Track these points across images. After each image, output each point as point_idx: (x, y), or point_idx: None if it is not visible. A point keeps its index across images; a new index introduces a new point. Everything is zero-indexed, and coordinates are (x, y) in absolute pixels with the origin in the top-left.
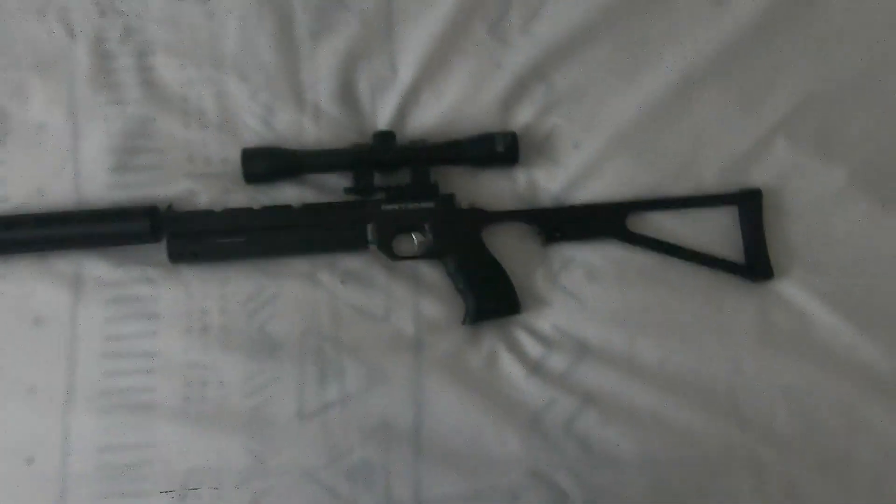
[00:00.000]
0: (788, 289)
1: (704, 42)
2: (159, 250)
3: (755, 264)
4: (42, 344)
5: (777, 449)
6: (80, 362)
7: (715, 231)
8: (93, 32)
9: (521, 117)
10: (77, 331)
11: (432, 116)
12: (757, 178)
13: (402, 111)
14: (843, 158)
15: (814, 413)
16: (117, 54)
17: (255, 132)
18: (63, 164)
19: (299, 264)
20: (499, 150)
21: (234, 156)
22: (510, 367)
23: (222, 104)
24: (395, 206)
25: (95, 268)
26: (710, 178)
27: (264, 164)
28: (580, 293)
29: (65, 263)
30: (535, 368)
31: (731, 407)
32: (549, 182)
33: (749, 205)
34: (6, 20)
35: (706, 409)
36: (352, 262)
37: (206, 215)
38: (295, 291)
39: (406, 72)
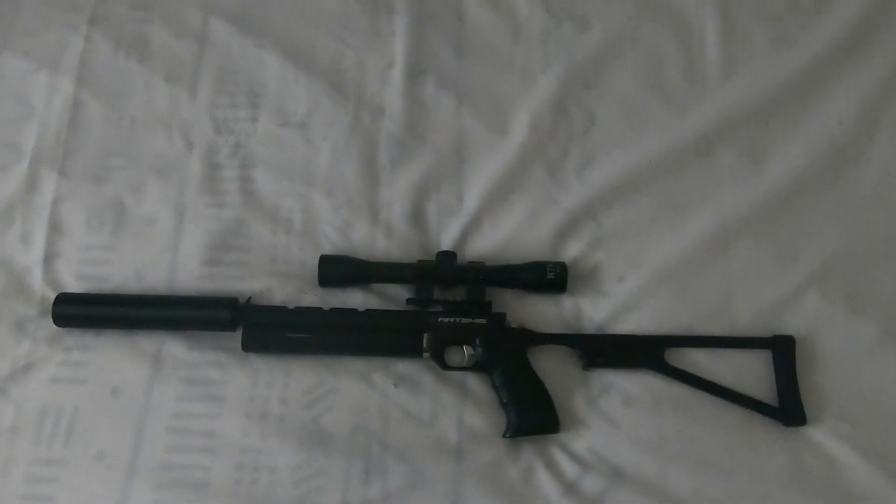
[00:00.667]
0: (820, 436)
1: (742, 197)
2: (233, 339)
3: (788, 409)
4: (116, 414)
5: None
6: (147, 435)
7: (747, 373)
8: (207, 146)
9: (571, 250)
10: (149, 405)
11: (491, 243)
12: (789, 326)
13: (464, 236)
14: (873, 314)
15: None
16: (225, 166)
17: (332, 242)
18: (163, 254)
19: (357, 364)
20: (549, 277)
21: (312, 261)
22: (546, 484)
23: (307, 215)
24: (451, 320)
25: (175, 348)
26: (743, 323)
27: (338, 269)
28: (617, 419)
29: (148, 342)
30: (569, 489)
31: None
32: (593, 311)
33: (783, 350)
34: (136, 129)
35: None
36: (405, 367)
37: (280, 311)
38: (350, 389)
39: (471, 202)
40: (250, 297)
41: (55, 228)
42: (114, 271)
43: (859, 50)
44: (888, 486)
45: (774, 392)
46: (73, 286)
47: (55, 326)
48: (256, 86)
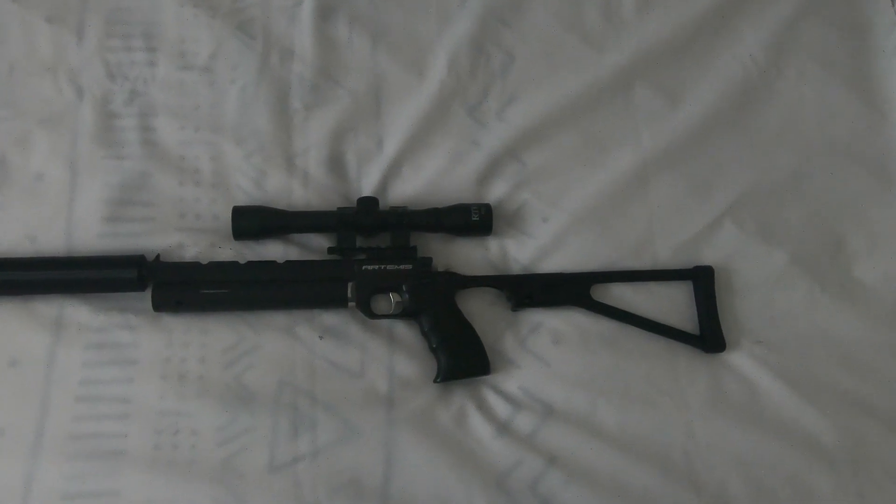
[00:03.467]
0: (738, 360)
1: (659, 134)
2: (143, 299)
3: (709, 336)
4: (15, 386)
5: None
6: (52, 406)
7: (671, 304)
8: (100, 93)
9: (495, 192)
10: (53, 374)
11: (413, 187)
12: (707, 257)
13: (385, 181)
14: (783, 244)
15: (764, 481)
16: (122, 115)
17: (246, 192)
18: (57, 212)
19: (279, 318)
20: (474, 219)
21: (225, 213)
22: (479, 426)
23: (217, 165)
24: (375, 267)
25: (77, 313)
26: (664, 256)
27: (253, 221)
28: (546, 357)
29: (47, 307)
30: (502, 429)
31: (686, 472)
32: (519, 252)
33: (703, 280)
34: (16, 76)
35: (663, 474)
36: (330, 318)
37: (192, 267)
38: (273, 344)
39: (390, 145)
40: (159, 255)
41: None
42: (1, 234)
43: None
44: (801, 404)
45: (696, 322)
46: None
47: None
48: (152, 27)
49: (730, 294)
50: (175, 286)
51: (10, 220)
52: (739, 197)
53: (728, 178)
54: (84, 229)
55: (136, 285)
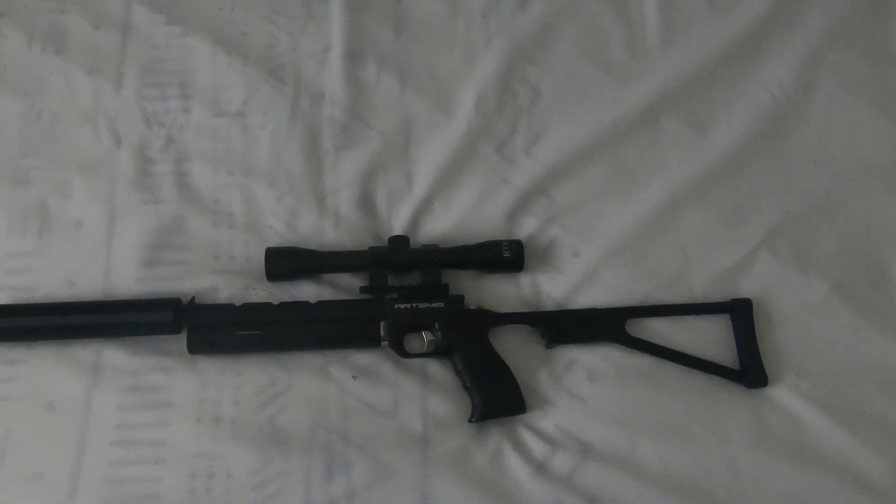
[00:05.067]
0: (781, 394)
1: (689, 165)
2: (178, 341)
3: (750, 371)
4: (52, 430)
5: None
6: (89, 450)
7: (708, 338)
8: (137, 140)
9: (525, 228)
10: (89, 418)
11: (443, 225)
12: (744, 289)
13: (416, 219)
14: (822, 273)
15: None
16: (158, 160)
17: (278, 234)
18: (95, 257)
19: (312, 359)
20: (506, 255)
21: (258, 255)
22: (515, 466)
23: (250, 207)
24: (408, 306)
25: (114, 356)
26: (700, 289)
27: (286, 262)
28: (582, 394)
29: (85, 351)
30: (539, 469)
31: None
32: (551, 288)
33: (741, 313)
34: (57, 125)
35: None
36: (363, 358)
37: (226, 309)
38: (306, 385)
39: (420, 184)
40: (194, 297)
41: None
42: (42, 279)
43: (792, 15)
44: (847, 438)
45: (735, 355)
46: None
47: None
48: (186, 75)
49: (769, 326)
50: (210, 328)
51: (50, 265)
52: (774, 226)
53: (761, 208)
54: (121, 273)
55: (172, 328)
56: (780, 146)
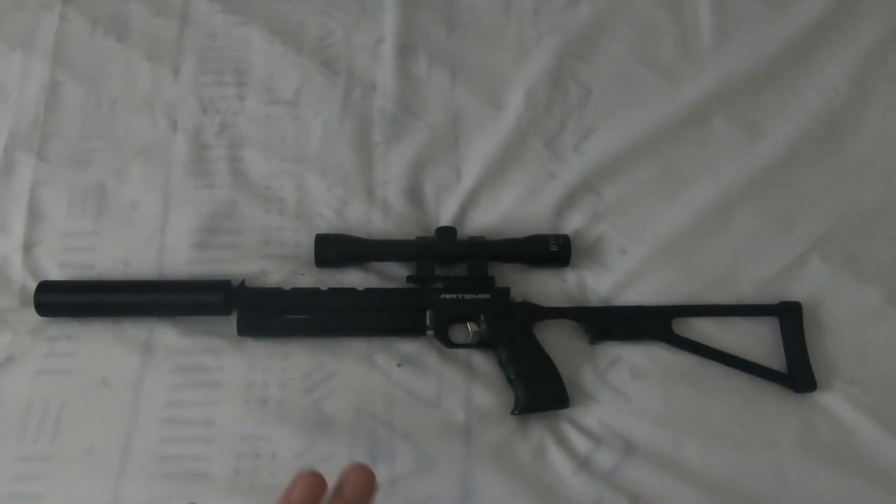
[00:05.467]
0: (831, 401)
1: (740, 167)
2: (228, 323)
3: (798, 375)
4: (105, 405)
5: None
6: (140, 426)
7: (755, 341)
8: (192, 127)
9: (572, 223)
10: (141, 395)
11: (490, 218)
12: (794, 293)
13: (463, 211)
14: (875, 278)
15: None
16: (212, 146)
17: (327, 221)
18: (150, 238)
19: (358, 346)
20: (552, 250)
21: (308, 241)
22: (558, 461)
23: (301, 195)
24: (454, 296)
25: (166, 335)
26: (748, 291)
27: (335, 249)
28: (627, 391)
29: (138, 330)
30: (582, 464)
31: None
32: (597, 284)
33: (790, 317)
34: (117, 110)
35: None
36: (408, 346)
37: (276, 293)
38: (352, 371)
39: (469, 177)
40: (244, 280)
41: (34, 215)
42: (98, 258)
43: (850, 18)
44: None
45: (783, 359)
46: (56, 274)
47: (38, 317)
48: (242, 64)
49: (818, 331)
50: (259, 311)
51: (106, 245)
52: (826, 231)
53: (813, 212)
54: (174, 255)
55: (222, 309)
56: (833, 151)
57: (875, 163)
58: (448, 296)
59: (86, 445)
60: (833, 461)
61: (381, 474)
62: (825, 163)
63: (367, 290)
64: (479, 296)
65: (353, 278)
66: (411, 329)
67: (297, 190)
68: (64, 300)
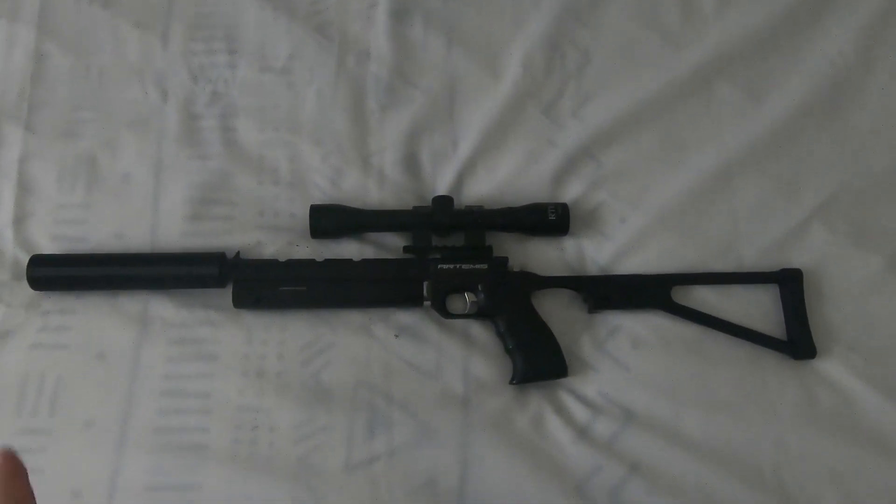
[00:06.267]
0: (831, 368)
1: (743, 133)
2: (224, 295)
3: (798, 342)
4: (102, 379)
5: None
6: (138, 399)
7: (756, 308)
8: (183, 96)
9: (571, 192)
10: (138, 368)
11: (487, 187)
12: (795, 260)
13: (460, 180)
14: (878, 246)
15: (860, 496)
16: (204, 116)
17: (323, 192)
18: (143, 211)
19: (356, 317)
20: (550, 218)
21: (303, 212)
22: (557, 430)
23: (295, 165)
24: (451, 266)
25: (162, 308)
26: (749, 259)
27: (331, 219)
28: (626, 361)
29: (133, 303)
30: (581, 433)
31: (776, 485)
32: (596, 252)
33: (790, 284)
34: (106, 80)
35: (751, 486)
36: (406, 317)
37: (271, 264)
38: (350, 342)
39: (465, 145)
40: (238, 252)
41: (24, 188)
42: (91, 231)
43: None
44: None
45: (783, 327)
46: (48, 248)
47: (31, 291)
48: (233, 30)
49: (819, 299)
50: (254, 283)
51: (98, 218)
52: (829, 198)
53: (817, 179)
54: (168, 227)
55: (217, 282)
56: (837, 116)
57: (880, 129)
58: (445, 266)
59: (84, 419)
60: (833, 428)
61: (380, 445)
62: (829, 129)
63: (364, 260)
64: (477, 266)
65: (350, 249)
66: (409, 300)
67: (291, 160)
68: (57, 274)
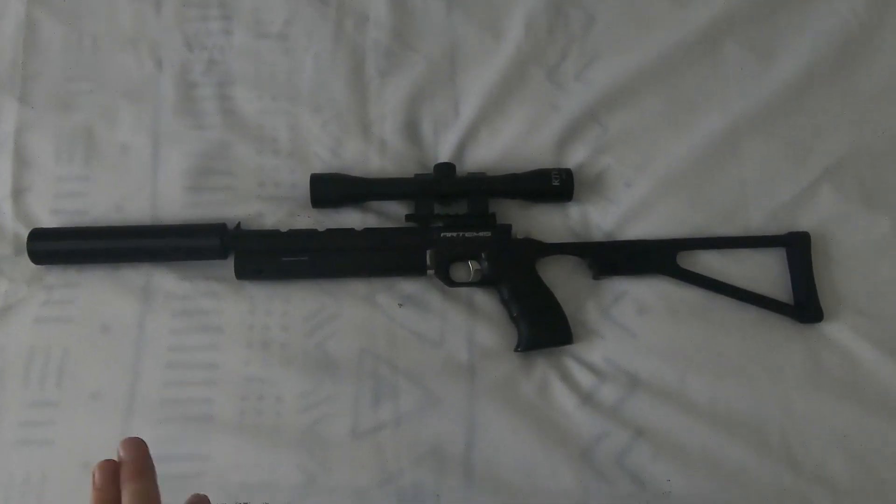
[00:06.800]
0: (838, 332)
1: (751, 95)
2: (226, 266)
3: (805, 306)
4: (108, 351)
5: (831, 495)
6: (144, 371)
7: (763, 272)
8: (179, 64)
9: (575, 157)
10: (143, 340)
11: (491, 153)
12: (803, 223)
13: (462, 147)
14: (888, 209)
15: (866, 459)
16: (200, 84)
17: (323, 160)
18: (142, 182)
19: (359, 286)
20: (555, 184)
21: (303, 181)
22: (562, 396)
23: (294, 134)
24: (454, 234)
25: (164, 280)
26: (757, 222)
27: (331, 189)
28: (631, 327)
29: (136, 275)
30: (586, 399)
31: (783, 449)
32: (601, 218)
33: (798, 247)
34: (100, 49)
35: (757, 451)
36: (409, 286)
37: (272, 235)
38: (354, 312)
39: (467, 111)
40: (239, 223)
41: (22, 161)
42: (90, 203)
43: None
44: None
45: (790, 291)
46: (48, 221)
47: (33, 265)
48: None
49: (827, 262)
50: (256, 254)
51: (98, 190)
52: (838, 160)
53: (826, 140)
54: (168, 199)
55: (219, 253)
56: (849, 76)
57: (891, 89)
58: (448, 234)
59: (91, 391)
60: (840, 392)
61: (386, 413)
62: (840, 89)
63: (366, 229)
64: (480, 233)
65: (351, 218)
66: (412, 269)
67: (291, 128)
68: (57, 247)
